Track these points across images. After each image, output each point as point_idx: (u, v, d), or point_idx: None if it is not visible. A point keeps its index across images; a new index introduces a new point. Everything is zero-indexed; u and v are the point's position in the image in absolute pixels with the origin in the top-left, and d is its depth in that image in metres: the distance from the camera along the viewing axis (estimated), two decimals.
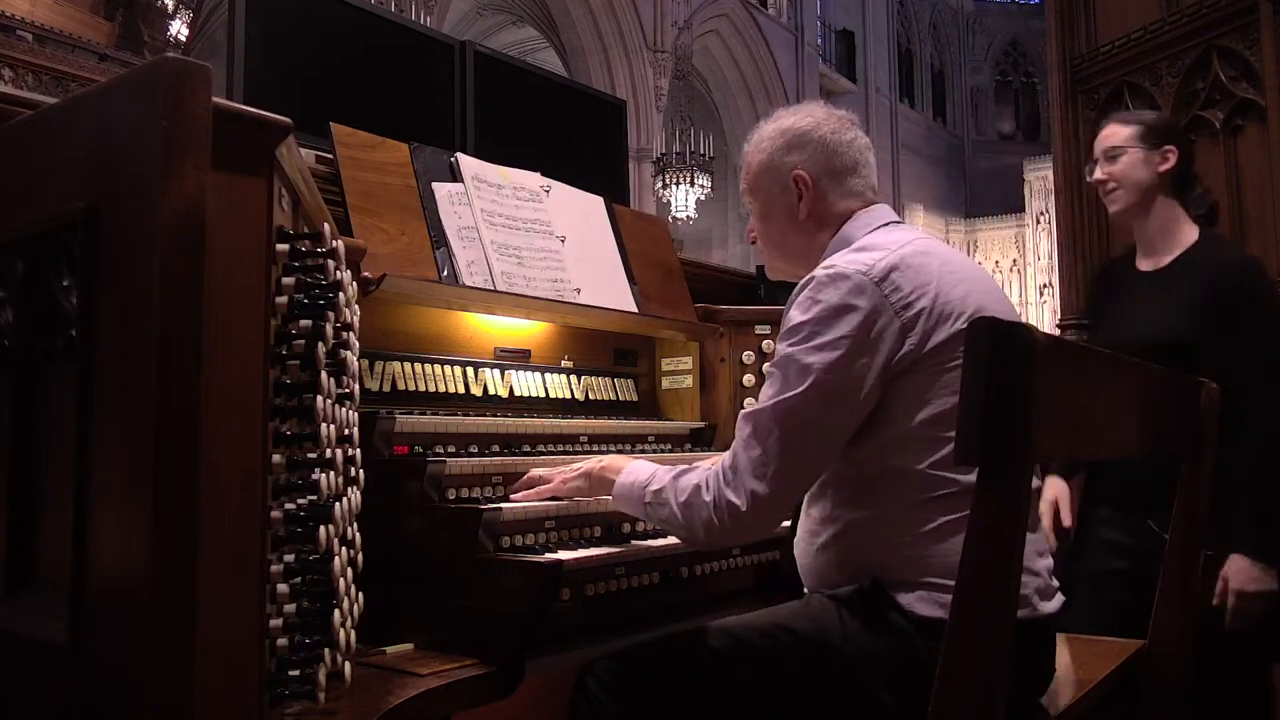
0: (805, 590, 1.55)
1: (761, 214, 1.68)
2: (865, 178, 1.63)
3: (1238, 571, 2.07)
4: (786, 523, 1.94)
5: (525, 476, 1.69)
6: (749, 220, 1.75)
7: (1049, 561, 1.52)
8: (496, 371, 2.02)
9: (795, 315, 1.43)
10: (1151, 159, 2.29)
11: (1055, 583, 1.50)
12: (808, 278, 1.46)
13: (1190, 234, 2.30)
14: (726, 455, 1.45)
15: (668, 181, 14.10)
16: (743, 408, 2.34)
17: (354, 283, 1.49)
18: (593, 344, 2.27)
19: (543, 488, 1.65)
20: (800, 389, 1.38)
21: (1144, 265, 2.36)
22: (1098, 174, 2.37)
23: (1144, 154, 2.29)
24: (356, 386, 1.41)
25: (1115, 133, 2.36)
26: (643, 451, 2.09)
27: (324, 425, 1.11)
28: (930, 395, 1.38)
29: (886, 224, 1.58)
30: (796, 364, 1.39)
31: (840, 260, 1.44)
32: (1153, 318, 2.24)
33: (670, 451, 2.14)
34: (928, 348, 1.38)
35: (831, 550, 1.48)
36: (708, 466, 1.49)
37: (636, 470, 1.58)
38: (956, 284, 1.44)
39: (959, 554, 0.88)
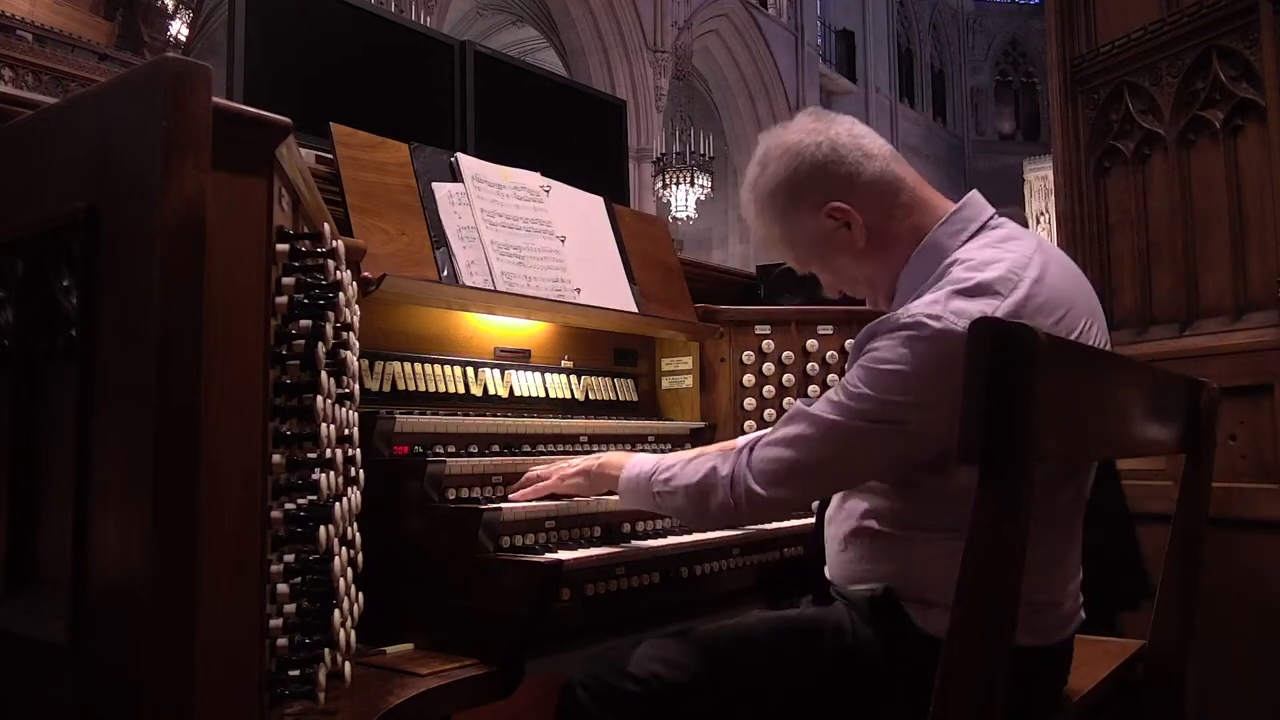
0: (828, 578, 1.51)
1: (822, 266, 1.53)
2: (880, 156, 1.45)
3: None
4: (796, 521, 1.94)
5: (524, 477, 1.68)
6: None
7: (1076, 586, 1.48)
8: (496, 371, 2.02)
9: (885, 349, 1.27)
10: None
11: (1080, 604, 1.48)
12: (906, 311, 1.28)
13: None
14: (757, 439, 1.38)
15: (668, 181, 14.12)
16: (743, 408, 2.38)
17: (354, 283, 1.49)
18: (593, 344, 2.27)
19: (540, 485, 1.64)
20: (867, 425, 1.28)
21: None
22: None
23: None
24: (356, 386, 1.41)
25: None
26: (643, 452, 2.09)
27: (324, 425, 1.11)
28: None
29: (983, 227, 1.39)
30: (873, 400, 1.27)
31: (948, 309, 1.25)
32: None
33: (670, 451, 2.14)
34: None
35: (864, 546, 1.43)
36: (718, 452, 1.45)
37: (640, 463, 1.56)
38: (1077, 325, 1.32)
39: None
